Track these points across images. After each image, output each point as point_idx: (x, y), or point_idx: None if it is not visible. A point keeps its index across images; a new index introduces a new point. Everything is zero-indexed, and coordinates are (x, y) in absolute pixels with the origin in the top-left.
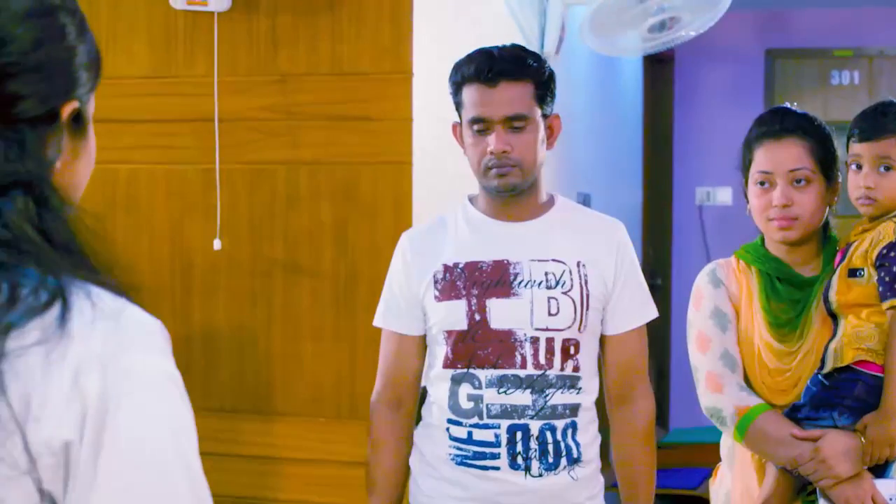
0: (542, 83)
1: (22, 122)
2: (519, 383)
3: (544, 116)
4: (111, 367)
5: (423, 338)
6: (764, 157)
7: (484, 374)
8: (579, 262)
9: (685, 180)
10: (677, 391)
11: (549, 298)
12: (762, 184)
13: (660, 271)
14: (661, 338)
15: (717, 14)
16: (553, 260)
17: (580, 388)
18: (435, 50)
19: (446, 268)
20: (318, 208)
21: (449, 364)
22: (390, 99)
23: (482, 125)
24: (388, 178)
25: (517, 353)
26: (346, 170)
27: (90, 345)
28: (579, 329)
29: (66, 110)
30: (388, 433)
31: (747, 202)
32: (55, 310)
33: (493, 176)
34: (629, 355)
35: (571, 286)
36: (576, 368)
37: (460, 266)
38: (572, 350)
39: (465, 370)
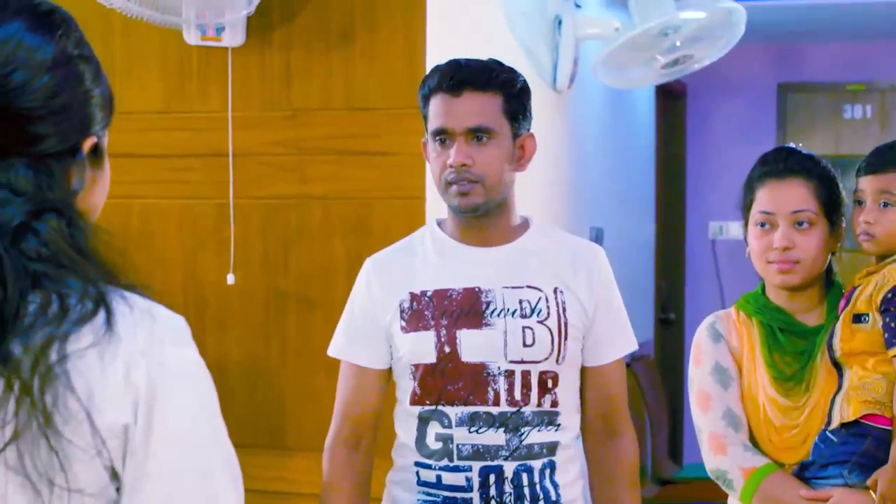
0: (512, 96)
1: (49, 157)
2: (492, 421)
3: (515, 135)
4: (154, 361)
5: (387, 372)
6: (766, 197)
7: (454, 412)
8: (556, 289)
9: (698, 214)
10: (690, 426)
11: (524, 328)
12: (763, 225)
13: (672, 305)
14: (673, 370)
15: (729, 45)
16: (528, 287)
17: (559, 425)
18: None
19: (413, 296)
20: (331, 243)
21: (416, 400)
22: (403, 134)
23: (444, 136)
24: (401, 212)
25: (489, 389)
26: (359, 204)
27: (135, 343)
28: (557, 360)
29: (86, 145)
30: (344, 476)
31: (747, 244)
32: (101, 315)
33: (454, 193)
34: (612, 388)
35: (548, 314)
36: (554, 403)
37: (428, 294)
38: (550, 383)
39: (434, 407)
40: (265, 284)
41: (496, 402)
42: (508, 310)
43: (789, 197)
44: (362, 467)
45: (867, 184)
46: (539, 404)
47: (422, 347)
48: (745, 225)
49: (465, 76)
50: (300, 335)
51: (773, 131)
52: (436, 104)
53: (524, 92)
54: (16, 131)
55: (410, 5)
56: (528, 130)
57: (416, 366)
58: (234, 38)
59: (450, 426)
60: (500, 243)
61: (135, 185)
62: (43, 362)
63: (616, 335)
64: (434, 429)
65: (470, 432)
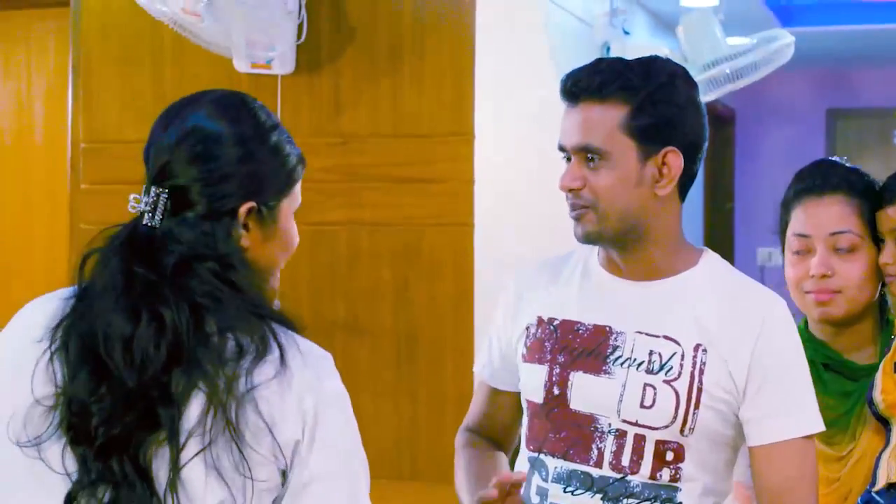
0: (644, 106)
1: (207, 217)
2: (589, 484)
3: (647, 153)
4: (318, 392)
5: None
6: (801, 218)
7: (553, 465)
8: (698, 346)
9: (747, 241)
10: None
11: (645, 385)
12: (798, 251)
13: None
14: None
15: (772, 67)
16: (665, 337)
17: None
18: (497, 112)
19: (540, 321)
20: (378, 269)
21: (527, 442)
22: (452, 160)
23: (563, 154)
24: (450, 239)
25: (594, 447)
26: (408, 231)
27: (304, 375)
28: (682, 431)
29: (242, 210)
30: (467, 445)
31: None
32: (276, 353)
33: (572, 216)
34: (776, 477)
35: (679, 374)
36: (674, 479)
37: (555, 323)
38: (670, 456)
39: (537, 454)
40: (312, 310)
41: (598, 464)
42: (635, 360)
43: (827, 217)
44: (496, 455)
45: (812, 222)
46: (653, 477)
47: (533, 383)
48: (783, 251)
49: (583, 81)
50: (347, 361)
51: (822, 157)
52: (563, 112)
53: (667, 99)
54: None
55: (458, 32)
56: (676, 144)
57: (529, 402)
58: (283, 65)
59: (547, 479)
60: (651, 278)
61: None
62: (235, 388)
63: (785, 411)
64: (536, 480)
65: (565, 492)
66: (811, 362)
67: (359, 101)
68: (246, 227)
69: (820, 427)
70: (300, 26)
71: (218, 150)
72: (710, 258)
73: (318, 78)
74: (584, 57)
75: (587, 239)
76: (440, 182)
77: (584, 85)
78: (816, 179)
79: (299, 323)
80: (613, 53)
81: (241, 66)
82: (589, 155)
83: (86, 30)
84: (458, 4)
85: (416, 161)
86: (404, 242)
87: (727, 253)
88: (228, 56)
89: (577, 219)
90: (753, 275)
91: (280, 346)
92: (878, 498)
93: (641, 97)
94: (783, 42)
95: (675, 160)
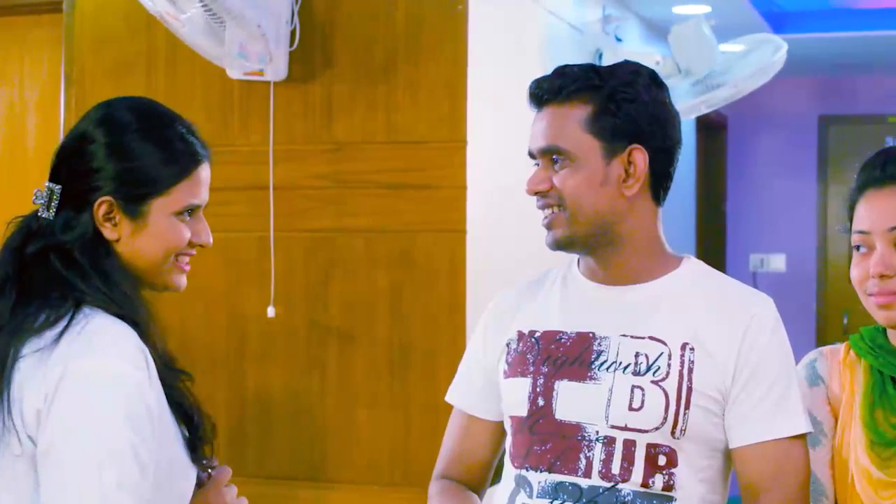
0: (607, 105)
1: (64, 209)
2: (578, 496)
3: (612, 152)
4: (69, 365)
5: (501, 425)
6: (861, 213)
7: (537, 479)
8: (686, 345)
9: (739, 247)
10: None
11: (633, 387)
12: (858, 248)
13: None
14: None
15: (767, 76)
16: (650, 338)
17: None
18: (490, 119)
19: (521, 335)
20: (372, 276)
21: (511, 459)
22: (445, 167)
23: (533, 161)
24: (443, 246)
25: (581, 456)
26: (401, 238)
27: (68, 350)
28: (673, 433)
29: (96, 205)
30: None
31: None
32: (60, 327)
33: (543, 224)
34: (756, 477)
35: (667, 374)
36: (668, 486)
37: (537, 335)
38: (662, 461)
39: (521, 471)
40: (306, 317)
41: (587, 474)
42: (621, 363)
43: (886, 210)
44: (472, 497)
45: (871, 217)
46: (645, 484)
47: (516, 397)
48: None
49: (547, 85)
50: (341, 368)
51: (814, 164)
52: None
53: (631, 97)
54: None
55: (452, 39)
56: (641, 142)
57: (512, 418)
58: (276, 71)
59: (531, 496)
60: (633, 282)
61: None
62: (8, 357)
63: (772, 411)
64: (521, 497)
65: None
66: (878, 374)
67: (352, 108)
68: (112, 220)
69: (803, 428)
70: (293, 33)
71: (85, 148)
72: (693, 263)
73: (310, 85)
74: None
75: (558, 245)
76: (433, 189)
77: (547, 88)
78: (876, 171)
79: (139, 315)
80: (606, 61)
81: (234, 73)
82: (554, 157)
83: (79, 37)
84: (452, 12)
85: (409, 168)
86: (398, 249)
87: (719, 259)
88: (220, 63)
89: (548, 225)
90: (746, 281)
91: (68, 323)
92: None
93: (604, 95)
94: (778, 54)
95: (640, 158)
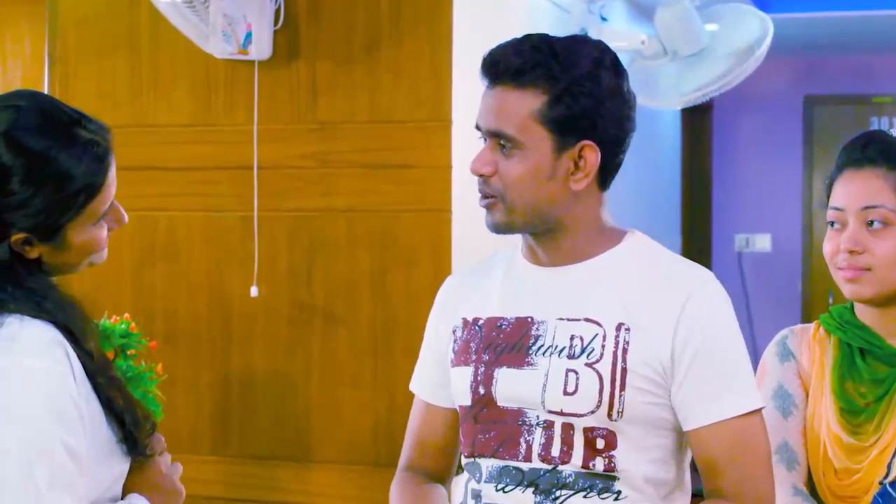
0: (562, 97)
1: None
2: (520, 479)
3: (561, 147)
4: None
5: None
6: (838, 191)
7: (485, 465)
8: (621, 325)
9: (724, 227)
10: None
11: (567, 371)
12: (832, 224)
13: None
14: None
15: (750, 69)
16: (586, 319)
17: (618, 494)
18: (474, 98)
19: (465, 323)
20: (356, 256)
21: (462, 448)
22: (429, 147)
23: (479, 134)
24: (427, 226)
25: (522, 440)
26: (385, 218)
27: None
28: (610, 415)
29: (13, 241)
30: (405, 495)
31: None
32: None
33: (481, 204)
34: (712, 458)
35: (601, 356)
36: (609, 468)
37: (480, 322)
38: (601, 444)
39: (472, 459)
40: (289, 297)
41: (527, 458)
42: (556, 347)
43: (861, 190)
44: (431, 493)
45: (846, 195)
46: (585, 466)
47: (461, 386)
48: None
49: (502, 64)
50: (324, 348)
51: (799, 144)
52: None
53: (588, 91)
54: None
55: (436, 19)
56: (593, 138)
57: (460, 407)
58: (260, 51)
59: (480, 481)
60: (570, 262)
61: (161, 197)
62: None
63: (720, 390)
64: (471, 483)
65: (496, 490)
66: (847, 348)
67: (336, 87)
68: (30, 244)
69: (756, 404)
70: (277, 12)
71: None
72: (635, 238)
73: (295, 64)
74: None
75: (496, 229)
76: (417, 168)
77: (502, 67)
78: (856, 152)
79: (70, 320)
80: None
81: (218, 52)
82: (502, 141)
83: (63, 16)
84: None
85: (393, 147)
86: (381, 229)
87: (705, 239)
88: (205, 43)
89: (486, 208)
90: (731, 261)
91: None
92: (891, 490)
93: (560, 88)
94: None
95: (591, 155)
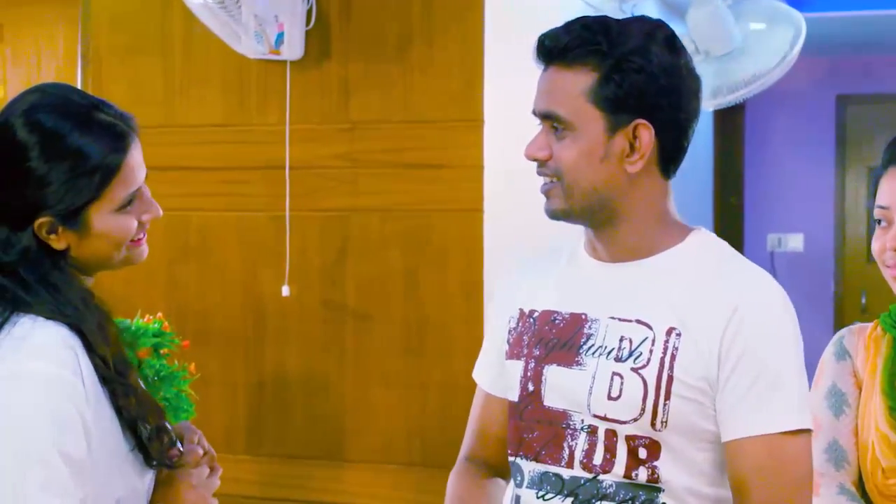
0: (614, 73)
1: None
2: (560, 487)
3: (615, 126)
4: None
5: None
6: (884, 188)
7: (527, 468)
8: (671, 330)
9: (756, 227)
10: None
11: (613, 374)
12: (879, 222)
13: None
14: None
15: (785, 68)
16: (637, 321)
17: None
18: (506, 97)
19: (521, 314)
20: (388, 255)
21: (508, 446)
22: (461, 146)
23: (537, 120)
24: (459, 225)
25: (565, 445)
26: (417, 217)
27: None
28: (654, 424)
29: (36, 225)
30: (463, 490)
31: None
32: None
33: (541, 191)
34: (740, 476)
35: (648, 362)
36: (653, 479)
37: (535, 314)
38: (644, 453)
39: (514, 458)
40: (321, 296)
41: (569, 464)
42: (605, 348)
43: None
44: (488, 487)
45: (892, 192)
46: (628, 475)
47: (511, 381)
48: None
49: (550, 44)
50: (357, 347)
51: (831, 143)
52: None
53: (639, 67)
54: None
55: (467, 18)
56: (647, 117)
57: (509, 403)
58: (292, 51)
59: (521, 485)
60: (629, 258)
61: (193, 197)
62: None
63: (760, 402)
64: (511, 486)
65: (537, 497)
66: None
67: (367, 87)
68: (55, 231)
69: (795, 424)
70: (309, 12)
71: (19, 165)
72: (700, 236)
73: (327, 64)
74: None
75: (554, 216)
76: (449, 168)
77: (551, 46)
78: None
79: (84, 323)
80: None
81: (250, 52)
82: (555, 124)
83: (95, 16)
84: None
85: (424, 147)
86: (413, 228)
87: (737, 239)
88: (237, 43)
89: (545, 194)
90: (763, 261)
91: (0, 328)
92: None
93: (609, 64)
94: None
95: (645, 134)
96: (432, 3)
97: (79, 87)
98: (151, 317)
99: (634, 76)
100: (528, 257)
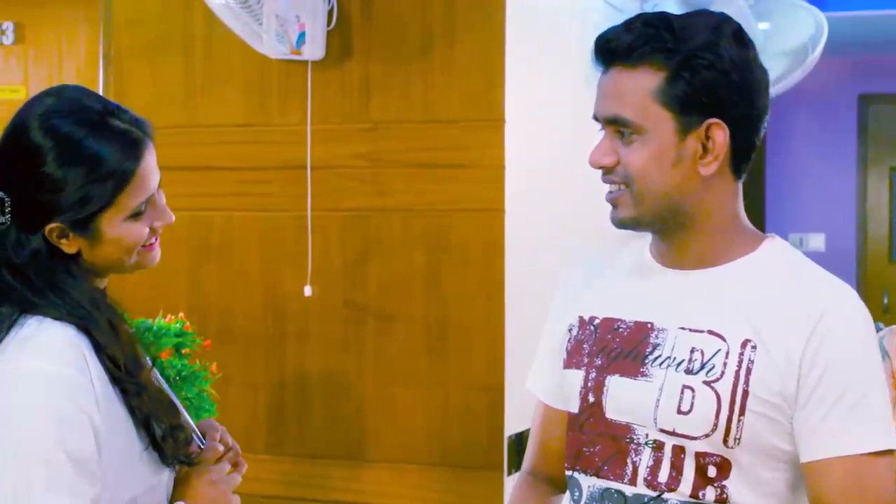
0: (684, 72)
1: (20, 229)
2: None
3: (686, 127)
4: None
5: None
6: None
7: (586, 483)
8: (747, 342)
9: (777, 226)
10: None
11: (683, 387)
12: None
13: None
14: None
15: (808, 67)
16: (709, 332)
17: None
18: (528, 96)
19: (581, 322)
20: (409, 255)
21: (565, 459)
22: (482, 146)
23: (598, 126)
24: (481, 225)
25: (628, 461)
26: (438, 217)
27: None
28: (726, 441)
29: (47, 231)
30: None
31: None
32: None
33: (607, 199)
34: (822, 499)
35: (721, 375)
36: (721, 499)
37: (596, 322)
38: (713, 472)
39: (572, 472)
40: (343, 297)
41: (632, 481)
42: (674, 359)
43: None
44: (547, 499)
45: None
46: (695, 495)
47: (570, 391)
48: None
49: (613, 43)
50: (378, 347)
51: (853, 143)
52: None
53: (709, 63)
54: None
55: (489, 17)
56: (721, 116)
57: (568, 414)
58: (314, 51)
59: (579, 501)
60: (701, 265)
61: (214, 197)
62: None
63: (842, 422)
64: (569, 501)
65: None
66: None
67: (388, 86)
68: (65, 236)
69: (882, 444)
70: (330, 12)
71: (34, 168)
72: (774, 244)
73: (348, 64)
74: None
75: (622, 224)
76: (470, 168)
77: (613, 47)
78: None
79: (93, 324)
80: None
81: (272, 52)
82: (621, 129)
83: (116, 16)
84: None
85: (446, 147)
86: (434, 228)
87: None
88: (259, 43)
89: (612, 202)
90: None
91: (8, 330)
92: None
93: (677, 62)
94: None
95: (719, 134)
96: (454, 3)
97: (100, 87)
98: (173, 317)
99: (705, 73)
100: (586, 259)
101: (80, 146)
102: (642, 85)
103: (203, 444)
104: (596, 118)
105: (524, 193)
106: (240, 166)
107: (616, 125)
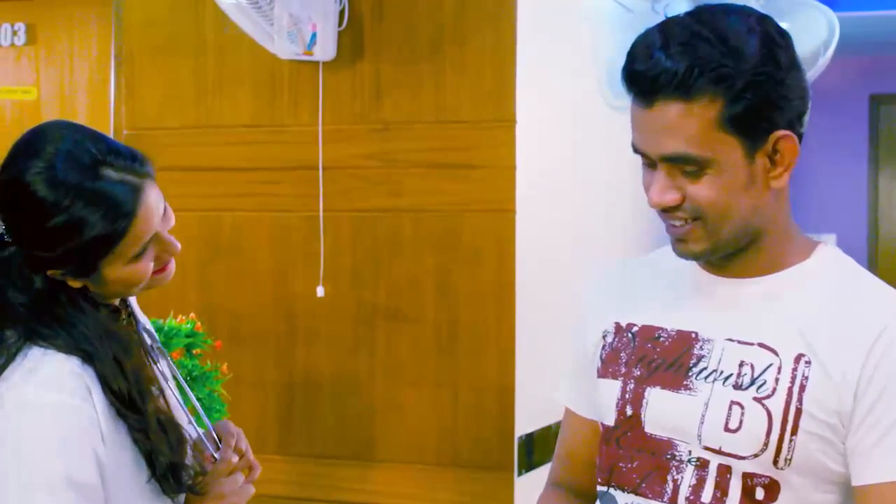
0: (742, 94)
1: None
2: None
3: (754, 146)
4: (2, 396)
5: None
6: None
7: (623, 501)
8: (800, 357)
9: None
10: None
11: (731, 403)
12: None
13: None
14: None
15: (820, 69)
16: (760, 345)
17: None
18: (539, 97)
19: (618, 328)
20: (420, 256)
21: (597, 473)
22: (494, 147)
23: (643, 156)
24: (491, 226)
25: (669, 479)
26: (449, 217)
27: (2, 383)
28: (776, 462)
29: (50, 274)
30: None
31: None
32: (2, 362)
33: (670, 233)
34: None
35: (773, 391)
36: None
37: (634, 329)
38: (761, 494)
39: (606, 488)
40: (355, 297)
41: (672, 500)
42: (721, 372)
43: None
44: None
45: None
46: None
47: (605, 402)
48: None
49: (661, 77)
50: (389, 347)
51: (864, 143)
52: (631, 108)
53: (769, 78)
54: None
55: (500, 17)
56: (784, 125)
57: (602, 426)
58: (325, 52)
59: None
60: (753, 274)
61: (225, 197)
62: None
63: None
64: None
65: None
66: None
67: (400, 87)
68: (68, 276)
69: None
70: (341, 13)
71: (36, 217)
72: (827, 252)
73: (359, 64)
74: (626, 43)
75: (694, 257)
76: (481, 168)
77: (662, 82)
78: None
79: (97, 354)
80: None
81: (283, 53)
82: (686, 168)
83: (127, 17)
84: None
85: (457, 147)
86: (445, 229)
87: None
88: (270, 43)
89: (682, 237)
90: None
91: (13, 357)
92: None
93: (739, 87)
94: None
95: (787, 144)
96: (465, 4)
97: (111, 87)
98: (184, 317)
99: (766, 88)
100: (617, 262)
101: (72, 208)
102: (703, 116)
103: (216, 454)
104: (642, 153)
105: (535, 194)
106: (251, 167)
107: (678, 163)
